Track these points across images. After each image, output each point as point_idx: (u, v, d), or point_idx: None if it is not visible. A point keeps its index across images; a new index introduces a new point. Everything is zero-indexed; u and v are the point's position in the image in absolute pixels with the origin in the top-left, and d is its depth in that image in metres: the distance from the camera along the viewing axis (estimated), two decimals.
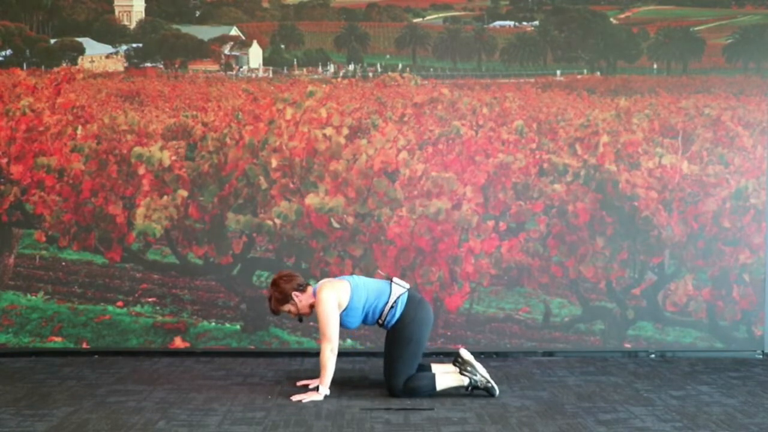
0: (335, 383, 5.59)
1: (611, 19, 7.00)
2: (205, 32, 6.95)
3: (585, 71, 6.96)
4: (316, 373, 5.57)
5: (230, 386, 5.77)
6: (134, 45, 6.91)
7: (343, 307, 5.46)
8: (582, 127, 6.77)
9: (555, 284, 6.77)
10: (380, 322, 5.54)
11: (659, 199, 6.72)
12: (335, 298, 5.42)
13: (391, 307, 5.49)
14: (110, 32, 6.90)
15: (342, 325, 5.51)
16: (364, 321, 5.56)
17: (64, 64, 6.84)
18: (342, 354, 6.32)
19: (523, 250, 6.72)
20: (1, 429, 4.81)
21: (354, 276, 5.72)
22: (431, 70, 6.95)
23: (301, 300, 5.51)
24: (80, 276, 6.81)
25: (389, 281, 5.61)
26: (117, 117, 6.76)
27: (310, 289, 5.54)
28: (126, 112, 6.77)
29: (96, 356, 6.70)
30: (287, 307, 5.56)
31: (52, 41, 6.86)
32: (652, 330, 6.81)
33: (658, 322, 6.81)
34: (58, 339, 6.76)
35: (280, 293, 5.54)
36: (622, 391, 5.69)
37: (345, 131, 6.71)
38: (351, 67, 6.97)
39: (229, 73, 6.97)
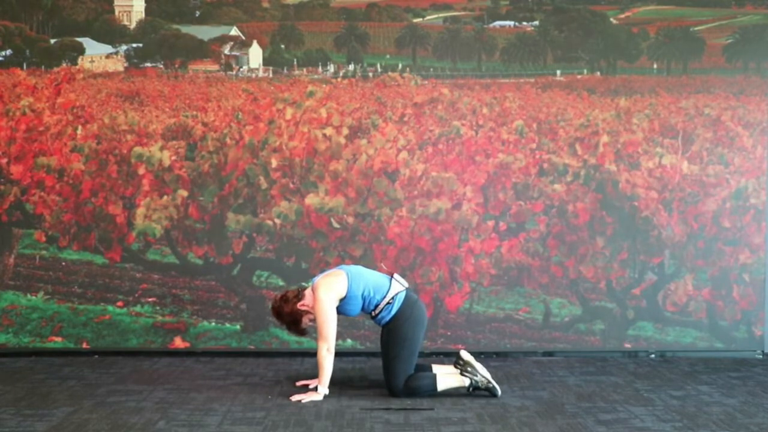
0: (335, 383, 5.59)
1: (611, 19, 7.00)
2: (205, 32, 6.95)
3: (585, 71, 6.96)
4: (315, 373, 5.56)
5: (230, 386, 5.78)
6: (134, 45, 6.91)
7: (342, 297, 5.45)
8: (582, 127, 6.77)
9: (555, 284, 6.77)
10: (373, 314, 5.53)
11: (659, 199, 6.72)
12: (333, 296, 5.41)
13: (388, 303, 5.49)
14: (110, 32, 6.90)
15: (344, 313, 5.51)
16: (362, 308, 5.55)
17: (64, 64, 6.84)
18: (342, 354, 6.33)
19: (523, 250, 6.72)
20: (1, 429, 4.81)
21: (351, 266, 5.72)
22: (431, 70, 6.95)
23: (307, 305, 5.49)
24: (80, 276, 6.81)
25: (390, 277, 5.60)
26: (117, 117, 6.76)
27: (308, 291, 5.53)
28: (126, 112, 6.78)
29: (96, 356, 6.70)
30: (305, 321, 5.54)
31: (52, 41, 6.86)
32: (652, 330, 6.81)
33: (658, 322, 6.81)
34: (58, 339, 6.76)
35: (289, 317, 5.53)
36: (622, 391, 5.69)
37: (345, 131, 6.71)
38: (351, 67, 6.97)
39: (229, 73, 6.97)
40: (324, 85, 6.83)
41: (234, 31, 7.00)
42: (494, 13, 7.03)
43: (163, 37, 6.91)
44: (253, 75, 6.99)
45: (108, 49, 6.92)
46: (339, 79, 6.93)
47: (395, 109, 6.80)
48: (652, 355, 6.80)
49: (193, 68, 6.91)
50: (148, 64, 6.90)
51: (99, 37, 6.91)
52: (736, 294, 6.79)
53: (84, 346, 6.76)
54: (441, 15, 7.04)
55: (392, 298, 5.50)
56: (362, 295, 5.47)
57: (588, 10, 6.97)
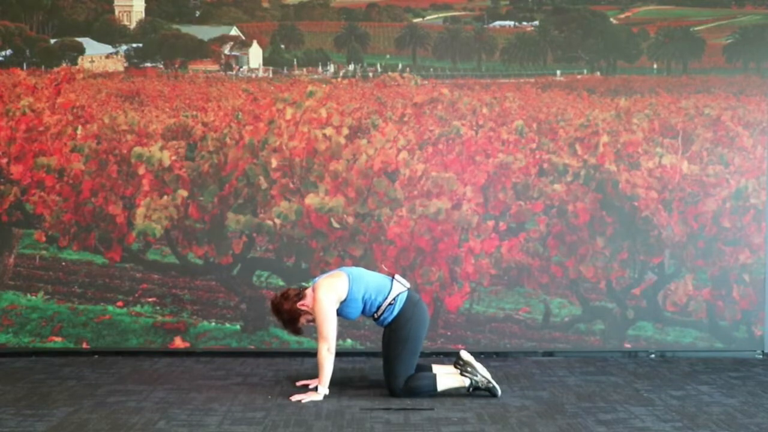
0: (335, 383, 5.59)
1: (611, 19, 7.00)
2: (205, 32, 6.95)
3: (585, 71, 6.97)
4: (315, 373, 5.56)
5: (230, 386, 5.78)
6: (134, 45, 6.91)
7: (342, 299, 5.45)
8: (582, 127, 6.77)
9: (555, 284, 6.77)
10: (376, 316, 5.53)
11: (659, 199, 6.72)
12: (333, 297, 5.41)
13: (390, 303, 5.48)
14: (110, 32, 6.91)
15: (343, 316, 5.51)
16: (362, 312, 5.55)
17: (64, 64, 6.84)
18: (342, 354, 6.33)
19: (523, 250, 6.72)
20: (1, 429, 4.81)
21: (352, 267, 5.72)
22: (431, 70, 6.95)
23: (307, 305, 5.50)
24: (80, 276, 6.81)
25: (391, 278, 5.60)
26: (117, 117, 6.76)
27: (308, 291, 5.54)
28: (126, 112, 6.78)
29: (96, 356, 6.70)
30: (302, 320, 5.55)
31: (52, 41, 6.86)
32: (652, 330, 6.81)
33: (658, 322, 6.81)
34: (58, 339, 6.76)
35: (288, 314, 5.53)
36: (622, 391, 5.69)
37: (345, 131, 6.71)
38: (351, 67, 6.97)
39: (229, 73, 6.97)
40: (324, 85, 6.83)
41: (234, 31, 7.00)
42: (494, 13, 7.03)
43: (163, 37, 6.91)
44: (253, 75, 6.99)
45: (108, 49, 6.92)
46: (339, 79, 6.93)
47: (395, 109, 6.80)
48: (652, 355, 6.80)
49: (193, 68, 6.91)
50: (148, 64, 6.90)
51: (99, 37, 6.91)
52: (736, 294, 6.79)
53: (84, 346, 6.76)
54: (441, 15, 7.04)
55: (394, 299, 5.50)
56: (363, 298, 5.47)
57: (588, 10, 6.97)
